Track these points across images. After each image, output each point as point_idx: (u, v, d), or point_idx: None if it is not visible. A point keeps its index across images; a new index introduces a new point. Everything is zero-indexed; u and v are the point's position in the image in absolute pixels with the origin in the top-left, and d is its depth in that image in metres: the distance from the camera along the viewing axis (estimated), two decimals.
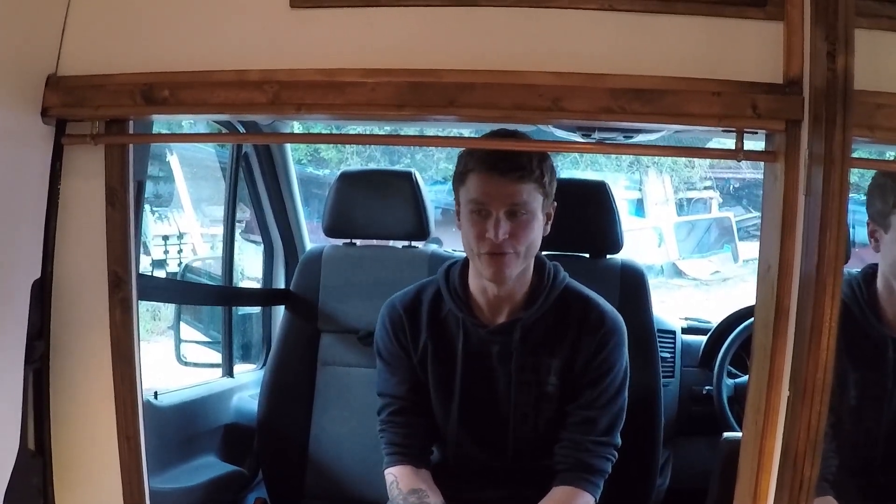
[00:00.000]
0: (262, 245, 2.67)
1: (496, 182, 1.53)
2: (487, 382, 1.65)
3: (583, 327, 1.64)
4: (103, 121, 1.34)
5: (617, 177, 8.93)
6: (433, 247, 2.48)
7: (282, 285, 2.59)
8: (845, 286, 1.47)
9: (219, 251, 2.63)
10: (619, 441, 1.64)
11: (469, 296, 1.67)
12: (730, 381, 2.31)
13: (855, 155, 1.16)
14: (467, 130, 2.17)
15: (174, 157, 6.86)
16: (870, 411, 1.54)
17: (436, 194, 8.29)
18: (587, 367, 1.63)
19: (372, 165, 7.29)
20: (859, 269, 1.62)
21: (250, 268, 3.65)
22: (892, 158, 1.81)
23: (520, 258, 1.57)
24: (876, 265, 1.58)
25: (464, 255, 1.67)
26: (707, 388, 2.39)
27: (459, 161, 1.60)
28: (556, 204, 1.63)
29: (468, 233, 1.58)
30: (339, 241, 2.27)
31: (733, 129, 1.24)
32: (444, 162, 8.61)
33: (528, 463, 1.66)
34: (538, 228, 1.58)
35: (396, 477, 1.65)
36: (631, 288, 2.02)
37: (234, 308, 2.48)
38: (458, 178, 1.59)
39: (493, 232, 1.53)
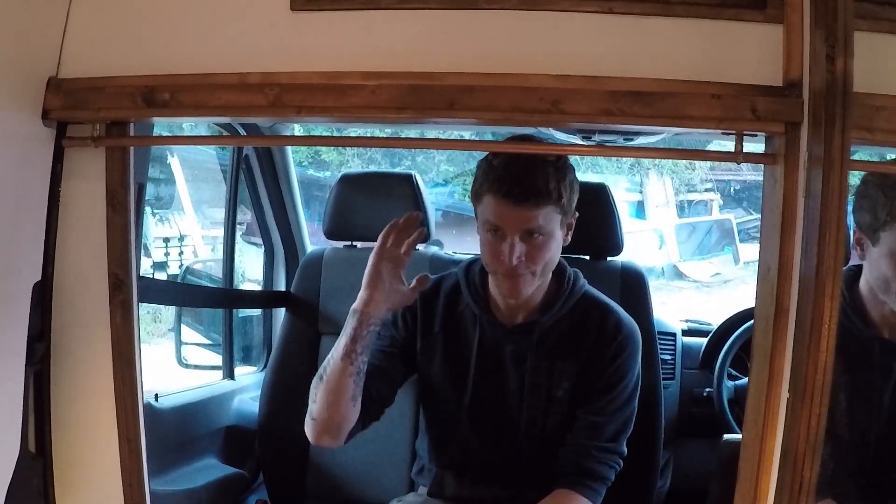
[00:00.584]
0: (263, 247, 2.67)
1: (511, 209, 1.51)
2: (499, 382, 1.65)
3: (600, 334, 1.64)
4: (104, 123, 1.34)
5: (617, 179, 8.94)
6: (434, 249, 2.47)
7: (282, 287, 2.59)
8: None
9: (219, 253, 2.63)
10: (625, 449, 1.63)
11: (488, 294, 1.67)
12: (730, 383, 2.31)
13: (854, 157, 1.16)
14: (468, 133, 2.17)
15: (175, 160, 6.87)
16: (861, 412, 1.53)
17: (436, 196, 8.32)
18: (601, 374, 1.62)
19: (373, 167, 7.31)
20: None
21: (251, 270, 3.66)
22: (889, 160, 1.80)
23: (535, 277, 1.57)
24: (857, 266, 1.58)
25: (469, 256, 1.66)
26: (707, 389, 2.39)
27: (476, 177, 1.57)
28: (577, 214, 1.62)
29: (484, 250, 1.57)
30: (340, 244, 2.27)
31: (733, 131, 1.24)
32: (444, 164, 8.64)
33: (533, 464, 1.66)
34: (555, 247, 1.57)
35: None
36: (631, 290, 2.01)
37: (234, 310, 2.49)
38: (475, 195, 1.58)
39: (507, 255, 1.51)
